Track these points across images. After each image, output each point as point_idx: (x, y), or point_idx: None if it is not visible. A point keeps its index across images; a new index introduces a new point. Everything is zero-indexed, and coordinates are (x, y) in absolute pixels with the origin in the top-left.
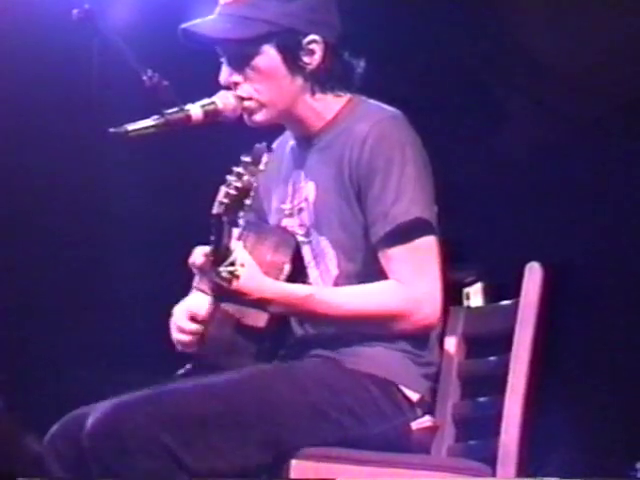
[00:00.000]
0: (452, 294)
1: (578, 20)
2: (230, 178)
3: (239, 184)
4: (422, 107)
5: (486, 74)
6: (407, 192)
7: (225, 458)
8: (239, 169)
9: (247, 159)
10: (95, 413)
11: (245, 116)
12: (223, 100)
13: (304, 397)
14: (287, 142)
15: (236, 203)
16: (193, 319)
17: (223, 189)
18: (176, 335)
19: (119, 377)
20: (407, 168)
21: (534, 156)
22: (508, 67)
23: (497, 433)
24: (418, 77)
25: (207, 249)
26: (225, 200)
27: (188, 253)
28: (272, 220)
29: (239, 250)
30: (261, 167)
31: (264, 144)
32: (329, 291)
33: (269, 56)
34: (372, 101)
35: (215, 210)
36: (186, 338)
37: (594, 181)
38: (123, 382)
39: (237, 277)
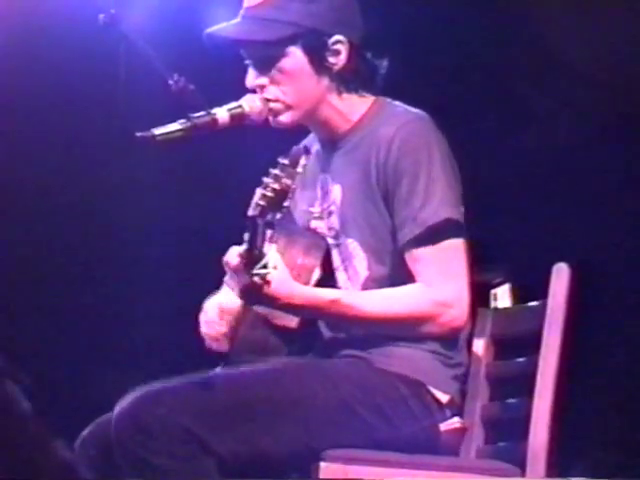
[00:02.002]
0: (479, 295)
1: (604, 20)
2: (267, 180)
3: (276, 186)
4: (448, 107)
5: (514, 74)
6: (436, 194)
7: (253, 446)
8: (276, 171)
9: (285, 161)
10: (123, 401)
11: (271, 118)
12: (250, 103)
13: (335, 393)
14: (312, 145)
15: (273, 205)
16: (223, 313)
17: (259, 191)
18: (206, 330)
19: (148, 381)
20: (434, 169)
21: (561, 156)
22: (535, 67)
23: (526, 435)
24: (443, 77)
25: (242, 249)
26: (261, 202)
27: (215, 257)
28: (299, 222)
29: (272, 253)
30: (299, 169)
31: (301, 146)
32: (356, 295)
33: (295, 57)
34: (397, 103)
35: (251, 212)
36: (216, 332)
37: (622, 181)
38: None
39: (268, 282)
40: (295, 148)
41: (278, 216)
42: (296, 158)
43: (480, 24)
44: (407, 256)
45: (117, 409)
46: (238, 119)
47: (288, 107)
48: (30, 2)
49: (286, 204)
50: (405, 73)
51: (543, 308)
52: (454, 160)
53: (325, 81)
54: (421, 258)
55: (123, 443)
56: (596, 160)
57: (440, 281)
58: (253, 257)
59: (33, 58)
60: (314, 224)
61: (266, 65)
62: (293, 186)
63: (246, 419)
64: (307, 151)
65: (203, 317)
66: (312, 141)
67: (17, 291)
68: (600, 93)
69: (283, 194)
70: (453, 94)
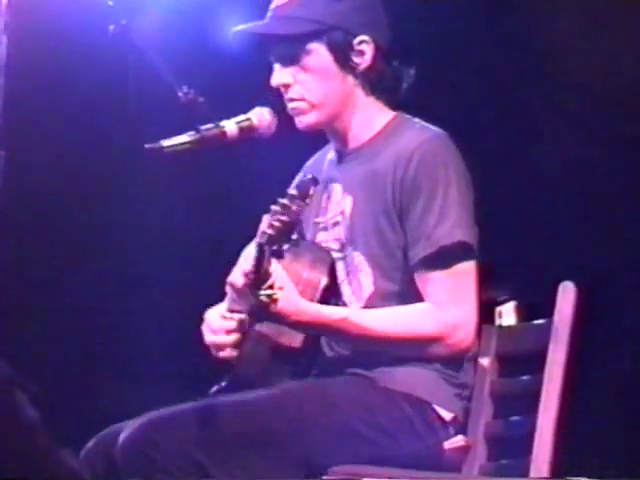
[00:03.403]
0: (484, 313)
1: (618, 37)
2: (275, 209)
3: (285, 217)
4: (455, 124)
5: (521, 92)
6: (450, 214)
7: (259, 475)
8: (285, 201)
9: (294, 192)
10: (128, 429)
11: (295, 119)
12: (258, 116)
13: (337, 415)
14: (325, 156)
15: (280, 236)
16: (226, 318)
17: (267, 219)
18: (211, 337)
19: (153, 392)
20: (451, 190)
21: (567, 174)
22: (543, 83)
23: (529, 452)
24: (451, 94)
25: (247, 268)
26: (269, 231)
27: (222, 272)
28: (309, 234)
29: (278, 272)
30: (307, 201)
31: (311, 176)
32: (364, 313)
33: (320, 55)
34: (417, 120)
35: (258, 239)
36: (222, 339)
37: (630, 199)
38: (157, 398)
39: (275, 301)
40: (304, 179)
41: (285, 247)
42: (305, 190)
43: (495, 41)
44: (417, 275)
45: (123, 436)
46: (247, 132)
47: (313, 106)
48: (39, 13)
49: (294, 237)
50: (419, 89)
51: (549, 326)
52: (470, 180)
53: (350, 81)
54: (431, 278)
55: (131, 472)
56: (602, 179)
57: (449, 303)
58: (259, 278)
59: (42, 68)
60: (320, 237)
61: (291, 63)
62: (301, 217)
63: (250, 450)
64: (316, 182)
65: (206, 327)
66: (326, 151)
67: (24, 301)
68: (609, 112)
69: (291, 226)
70: (461, 111)
